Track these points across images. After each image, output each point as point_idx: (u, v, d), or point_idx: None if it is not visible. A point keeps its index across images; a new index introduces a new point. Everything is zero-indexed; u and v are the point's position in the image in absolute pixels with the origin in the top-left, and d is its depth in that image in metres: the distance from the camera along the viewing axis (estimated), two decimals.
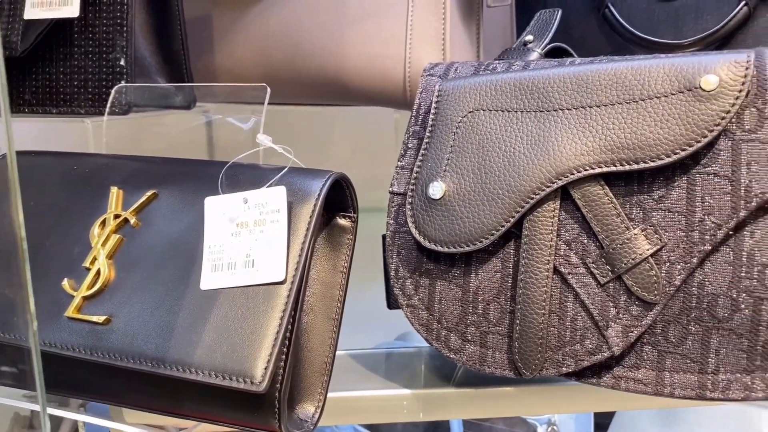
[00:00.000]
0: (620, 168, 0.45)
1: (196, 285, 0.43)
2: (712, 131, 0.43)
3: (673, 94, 0.44)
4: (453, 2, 0.69)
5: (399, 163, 0.53)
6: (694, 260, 0.44)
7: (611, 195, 0.45)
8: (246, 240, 0.42)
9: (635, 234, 0.45)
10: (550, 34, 0.62)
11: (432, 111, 0.52)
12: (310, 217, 0.43)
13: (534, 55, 0.59)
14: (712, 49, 0.76)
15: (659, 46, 0.76)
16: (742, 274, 0.43)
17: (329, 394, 0.53)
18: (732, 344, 0.44)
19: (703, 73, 0.43)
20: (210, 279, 0.43)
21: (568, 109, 0.47)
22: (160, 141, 0.85)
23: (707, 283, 0.44)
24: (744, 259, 0.43)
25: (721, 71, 0.43)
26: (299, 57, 0.70)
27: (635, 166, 0.44)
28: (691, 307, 0.44)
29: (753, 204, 0.43)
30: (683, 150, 0.43)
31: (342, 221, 0.50)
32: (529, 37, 0.62)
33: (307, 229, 0.43)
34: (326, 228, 0.50)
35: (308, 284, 0.48)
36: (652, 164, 0.44)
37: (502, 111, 0.49)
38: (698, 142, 0.43)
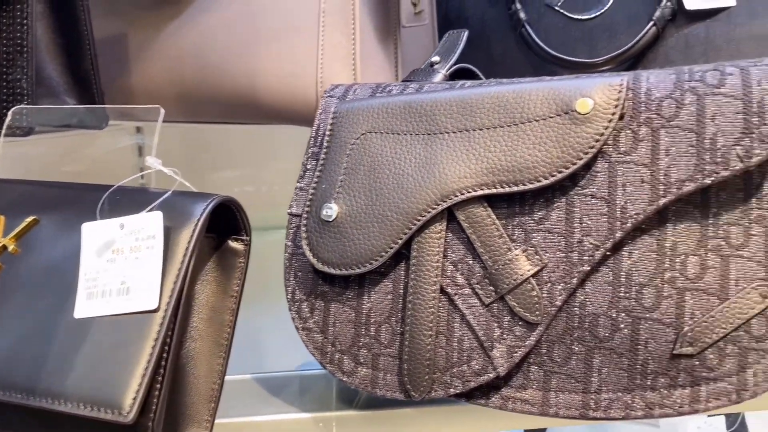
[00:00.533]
0: (501, 190, 0.45)
1: (71, 313, 0.42)
2: (587, 153, 0.43)
3: (551, 117, 0.45)
4: (366, 22, 0.70)
5: (298, 184, 0.53)
6: (574, 281, 0.44)
7: (494, 216, 0.46)
8: (121, 267, 0.42)
9: (517, 255, 0.45)
10: (455, 56, 0.63)
11: (327, 133, 0.52)
12: (188, 242, 0.42)
13: (439, 77, 0.60)
14: (625, 66, 0.78)
15: (574, 64, 0.77)
16: (621, 294, 0.44)
17: (230, 420, 0.53)
18: (613, 363, 0.44)
19: (579, 97, 0.44)
20: (84, 307, 0.42)
21: (453, 132, 0.47)
22: (80, 163, 0.84)
23: (588, 303, 0.45)
24: (622, 279, 0.44)
25: (596, 95, 0.44)
26: (212, 76, 0.69)
27: (515, 188, 0.45)
28: (573, 327, 0.45)
29: (628, 225, 0.43)
30: (560, 172, 0.44)
31: (234, 244, 0.49)
32: (436, 58, 0.63)
33: (185, 255, 0.42)
34: (218, 252, 0.49)
35: (196, 309, 0.47)
36: (531, 186, 0.44)
37: (393, 133, 0.49)
38: (574, 164, 0.44)
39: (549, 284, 0.45)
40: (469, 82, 0.52)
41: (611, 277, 0.44)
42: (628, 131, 0.44)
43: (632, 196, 0.43)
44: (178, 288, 0.41)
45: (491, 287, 0.46)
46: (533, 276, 0.45)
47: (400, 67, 0.78)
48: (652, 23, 0.74)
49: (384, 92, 0.53)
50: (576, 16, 0.80)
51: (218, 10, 0.69)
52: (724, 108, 0.42)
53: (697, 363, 0.43)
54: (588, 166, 0.44)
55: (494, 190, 0.45)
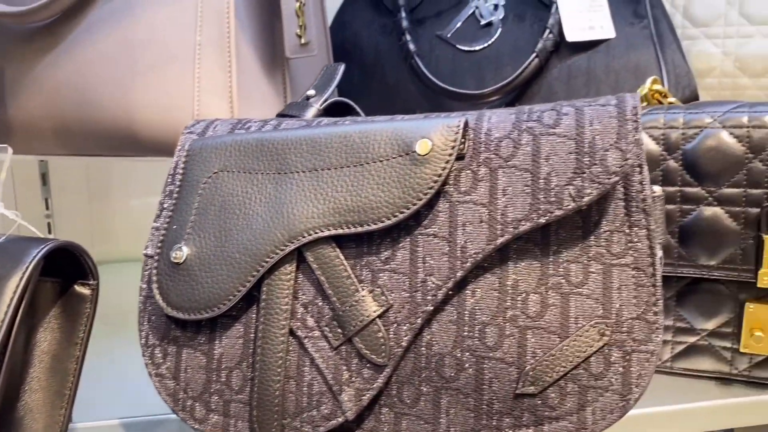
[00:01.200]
0: (346, 231, 0.45)
1: None
2: (426, 194, 0.43)
3: (394, 158, 0.45)
4: (247, 54, 0.69)
5: (154, 223, 0.52)
6: (419, 320, 0.44)
7: (342, 257, 0.45)
8: None
9: (363, 296, 0.45)
10: (331, 89, 0.62)
11: (180, 171, 0.51)
12: (15, 288, 0.41)
13: (312, 111, 0.59)
14: (511, 97, 0.79)
15: (462, 96, 0.79)
16: (465, 333, 0.44)
17: None
18: (460, 404, 0.44)
19: (419, 138, 0.44)
20: None
21: (303, 172, 0.47)
22: None
23: (434, 342, 0.44)
24: (466, 318, 0.44)
25: (434, 136, 0.44)
26: (89, 108, 0.68)
27: (360, 229, 0.44)
28: (421, 367, 0.45)
29: (468, 264, 0.43)
30: (401, 212, 0.44)
31: (80, 289, 0.48)
32: (311, 92, 0.62)
33: (11, 301, 0.40)
34: (63, 297, 0.47)
35: (37, 359, 0.45)
36: (374, 227, 0.44)
37: (245, 172, 0.49)
38: (414, 204, 0.44)
39: (395, 325, 0.44)
40: (325, 120, 0.51)
41: (455, 316, 0.44)
42: (468, 171, 0.44)
43: (471, 236, 0.43)
44: (3, 336, 0.39)
45: (339, 329, 0.45)
46: (380, 317, 0.44)
47: (290, 98, 0.77)
48: (534, 55, 0.76)
49: (243, 129, 0.52)
50: (465, 48, 0.81)
51: (95, 43, 0.67)
52: (558, 148, 0.43)
53: (539, 402, 0.43)
54: (431, 206, 0.44)
55: (340, 231, 0.45)
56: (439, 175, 0.43)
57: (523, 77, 0.76)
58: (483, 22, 0.80)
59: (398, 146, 0.45)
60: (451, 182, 0.44)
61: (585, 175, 0.42)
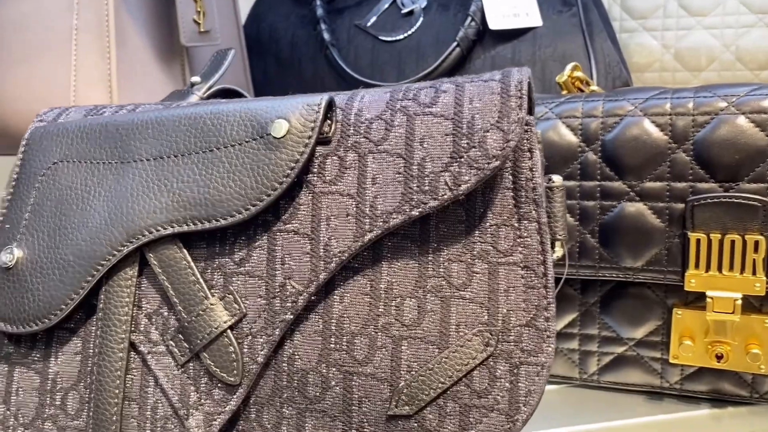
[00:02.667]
0: (193, 227, 0.38)
1: None
2: (281, 183, 0.37)
3: (247, 142, 0.38)
4: (138, 41, 0.63)
5: None
6: (277, 332, 0.38)
7: (189, 259, 0.39)
8: None
9: (212, 303, 0.38)
10: (217, 75, 0.56)
11: (17, 162, 0.44)
12: None
13: (193, 98, 0.53)
14: None
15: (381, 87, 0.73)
16: (332, 345, 0.38)
17: None
18: (326, 428, 0.38)
19: (275, 118, 0.38)
20: None
21: (147, 160, 0.40)
22: None
23: (297, 357, 0.38)
24: (333, 327, 0.38)
25: (292, 116, 0.38)
26: None
27: (207, 225, 0.38)
28: (282, 386, 0.38)
29: (333, 265, 0.37)
30: (254, 205, 0.37)
31: None
32: (196, 78, 0.56)
33: None
34: None
35: None
36: (225, 222, 0.38)
37: (86, 162, 0.42)
38: (268, 195, 0.37)
39: (249, 337, 0.38)
40: (183, 103, 0.45)
41: (321, 326, 0.38)
42: (335, 157, 0.38)
43: (336, 232, 0.37)
44: None
45: (185, 344, 0.39)
46: (231, 328, 0.38)
47: None
48: (455, 44, 0.71)
49: (98, 114, 0.46)
50: (385, 38, 0.75)
51: None
52: (434, 129, 0.37)
53: (415, 425, 0.36)
54: (291, 198, 0.38)
55: (185, 228, 0.38)
56: (297, 161, 0.37)
57: (444, 67, 0.71)
58: (404, 10, 0.75)
59: (252, 128, 0.38)
60: (314, 170, 0.38)
61: (462, 159, 0.36)
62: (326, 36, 0.74)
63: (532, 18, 0.70)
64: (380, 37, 0.75)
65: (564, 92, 0.59)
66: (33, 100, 0.59)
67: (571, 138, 0.54)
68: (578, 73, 0.58)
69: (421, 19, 0.74)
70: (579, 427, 0.54)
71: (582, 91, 0.59)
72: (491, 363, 0.36)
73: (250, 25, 0.82)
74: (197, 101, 0.53)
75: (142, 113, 0.42)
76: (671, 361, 0.54)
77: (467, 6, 0.72)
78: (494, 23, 0.70)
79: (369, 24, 0.76)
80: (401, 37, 0.74)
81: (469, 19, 0.70)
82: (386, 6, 0.76)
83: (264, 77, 0.80)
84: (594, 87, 0.59)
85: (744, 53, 0.80)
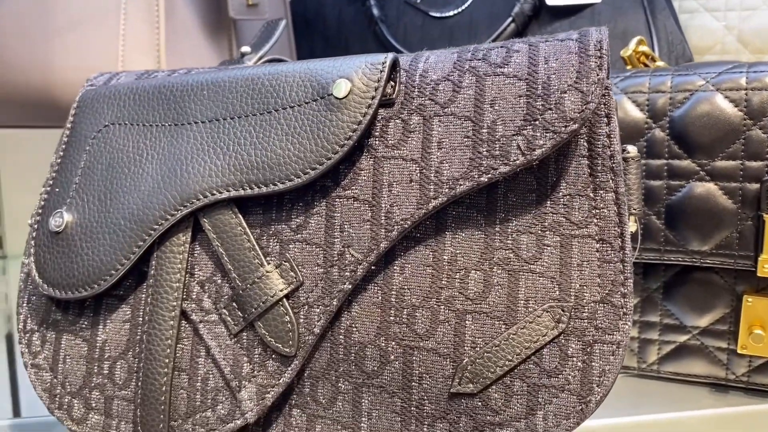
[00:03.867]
0: (249, 192, 0.37)
1: None
2: (343, 146, 0.35)
3: (307, 103, 0.37)
4: (185, 13, 0.62)
5: (43, 188, 0.44)
6: (335, 302, 0.36)
7: (245, 225, 0.37)
8: None
9: (268, 271, 0.37)
10: (268, 45, 0.55)
11: (68, 125, 0.43)
12: None
13: None
14: None
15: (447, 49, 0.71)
16: (391, 318, 0.36)
17: None
18: (384, 405, 0.36)
19: (336, 78, 0.36)
20: None
21: (202, 122, 0.39)
22: None
23: (354, 329, 0.36)
24: (393, 299, 0.36)
25: (354, 76, 0.36)
26: (3, 74, 0.60)
27: (264, 189, 0.36)
28: (339, 359, 0.36)
29: (394, 233, 0.35)
30: (313, 169, 0.36)
31: None
32: (246, 49, 0.55)
33: None
34: None
35: None
36: (282, 186, 0.36)
37: (138, 125, 0.41)
38: (329, 159, 0.35)
39: (306, 307, 0.36)
40: (240, 66, 0.44)
41: (380, 298, 0.36)
42: (398, 120, 0.36)
43: (399, 198, 0.35)
44: None
45: (239, 312, 0.37)
46: (287, 297, 0.36)
47: None
48: (510, 19, 0.68)
49: (150, 78, 0.45)
50: (435, 14, 0.73)
51: (5, 1, 0.60)
52: (506, 91, 0.35)
53: (479, 404, 0.34)
54: (352, 163, 0.36)
55: (242, 192, 0.37)
56: (359, 123, 0.35)
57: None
58: None
59: (312, 89, 0.37)
60: (376, 134, 0.36)
61: (537, 122, 0.34)
62: (375, 12, 0.73)
63: None
64: (431, 13, 0.73)
65: (629, 67, 0.56)
66: (81, 70, 0.58)
67: (637, 114, 0.52)
68: (643, 48, 0.55)
69: None
70: (636, 418, 0.52)
71: (647, 66, 0.56)
72: (562, 341, 0.34)
73: (297, 2, 0.80)
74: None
75: (197, 75, 0.41)
76: (739, 351, 0.51)
77: None
78: None
79: (419, 0, 0.73)
80: (452, 13, 0.72)
81: None
82: None
83: (311, 55, 0.79)
84: (660, 63, 0.56)
85: None
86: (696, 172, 0.50)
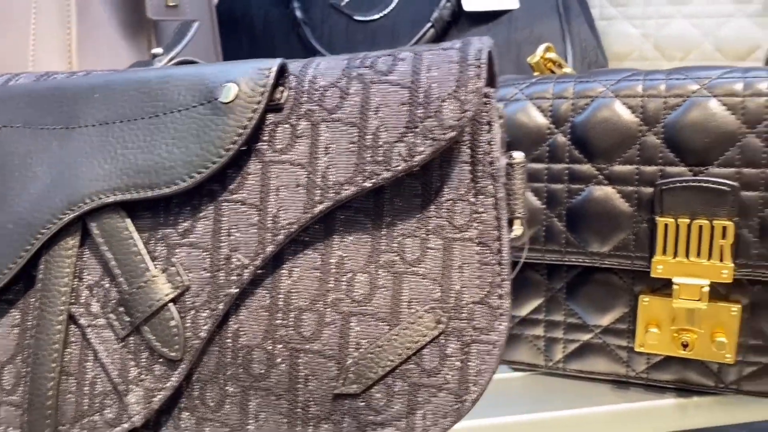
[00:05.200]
0: (135, 195, 0.37)
1: None
2: (228, 150, 0.36)
3: (194, 107, 0.37)
4: (103, 12, 0.61)
5: None
6: (221, 306, 0.36)
7: (132, 228, 0.37)
8: None
9: (154, 275, 0.37)
10: (179, 47, 0.55)
11: None
12: None
13: None
14: None
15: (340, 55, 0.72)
16: (278, 321, 0.36)
17: None
18: (271, 407, 0.36)
19: (224, 82, 0.37)
20: None
21: (92, 125, 0.39)
22: None
23: (242, 333, 0.37)
24: (280, 303, 0.36)
25: (242, 80, 0.36)
26: None
27: (150, 193, 0.36)
28: (226, 363, 0.37)
29: (281, 237, 0.36)
30: (199, 173, 0.36)
31: None
32: (158, 50, 0.55)
33: None
34: None
35: None
36: (168, 190, 0.36)
37: (30, 127, 0.40)
38: (214, 163, 0.36)
39: (193, 311, 0.36)
40: (142, 69, 0.44)
41: (268, 301, 0.36)
42: (287, 125, 0.37)
43: (285, 203, 0.36)
44: None
45: (126, 317, 0.37)
46: (174, 301, 0.36)
47: None
48: (430, 24, 0.69)
49: (45, 80, 0.44)
50: (359, 18, 0.74)
51: None
52: (389, 98, 0.36)
53: (362, 404, 0.35)
54: (240, 167, 0.37)
55: (128, 196, 0.37)
56: (245, 127, 0.36)
57: None
58: None
59: (200, 93, 0.37)
60: (264, 138, 0.37)
61: (418, 129, 0.35)
62: (299, 14, 0.73)
63: (508, 0, 0.69)
64: (355, 17, 0.74)
65: (536, 74, 0.58)
66: None
67: (540, 120, 0.53)
68: (551, 55, 0.57)
69: None
70: (544, 414, 0.53)
71: (554, 72, 0.58)
72: (442, 341, 0.35)
73: (223, 1, 0.80)
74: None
75: (93, 77, 0.40)
76: (637, 349, 0.53)
77: None
78: (469, 4, 0.68)
79: (344, 3, 0.74)
80: (377, 16, 0.73)
81: None
82: None
83: (237, 56, 0.79)
84: (567, 69, 0.58)
85: (724, 43, 0.79)
86: (595, 176, 0.52)
